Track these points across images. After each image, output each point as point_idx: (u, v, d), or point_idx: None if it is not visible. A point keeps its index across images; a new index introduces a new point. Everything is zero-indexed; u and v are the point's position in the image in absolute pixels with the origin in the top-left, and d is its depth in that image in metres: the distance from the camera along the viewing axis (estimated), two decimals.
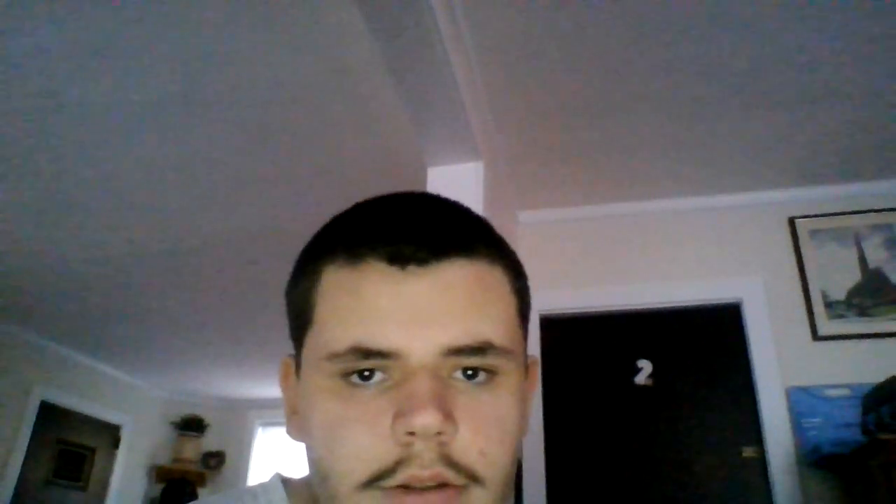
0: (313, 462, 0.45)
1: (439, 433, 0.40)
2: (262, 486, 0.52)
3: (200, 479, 5.97)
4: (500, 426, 0.43)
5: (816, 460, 2.28)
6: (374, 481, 0.41)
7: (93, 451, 5.45)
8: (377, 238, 0.44)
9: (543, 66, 2.09)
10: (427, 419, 0.39)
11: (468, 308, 0.43)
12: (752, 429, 2.45)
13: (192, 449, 6.09)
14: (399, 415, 0.40)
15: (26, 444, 4.70)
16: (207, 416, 6.22)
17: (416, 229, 0.45)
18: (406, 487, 0.40)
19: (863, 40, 1.97)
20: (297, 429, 0.49)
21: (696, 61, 2.06)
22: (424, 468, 0.40)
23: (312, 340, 0.46)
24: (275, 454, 6.21)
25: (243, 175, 2.68)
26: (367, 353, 0.42)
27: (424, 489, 0.40)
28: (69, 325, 4.51)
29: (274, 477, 0.53)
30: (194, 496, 5.66)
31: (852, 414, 2.28)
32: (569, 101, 2.25)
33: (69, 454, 5.23)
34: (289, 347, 0.52)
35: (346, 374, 0.43)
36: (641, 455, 2.52)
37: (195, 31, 1.94)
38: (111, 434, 5.62)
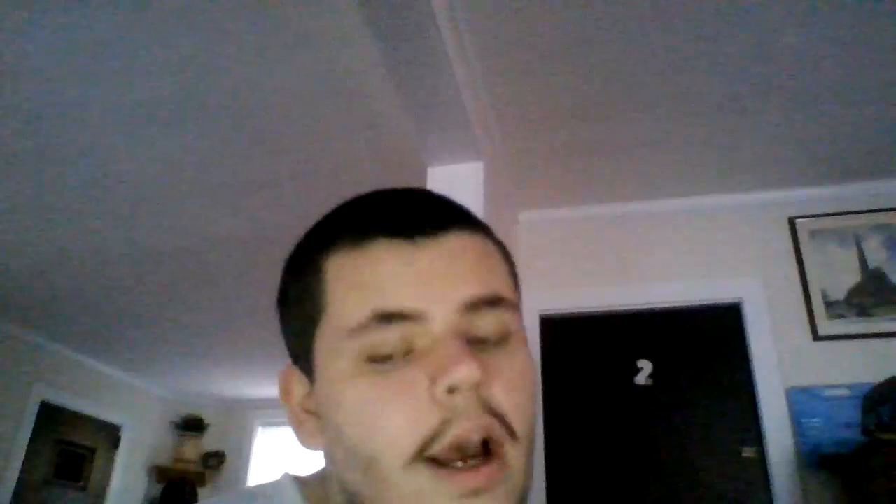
0: (350, 453, 0.43)
1: (480, 384, 0.40)
2: (274, 485, 0.51)
3: (200, 479, 5.96)
4: (525, 380, 0.45)
5: (816, 460, 2.28)
6: (424, 449, 0.40)
7: (93, 451, 5.45)
8: (381, 218, 0.46)
9: (543, 67, 2.09)
10: (468, 369, 0.39)
11: (477, 268, 0.46)
12: (752, 429, 2.45)
13: (192, 449, 6.09)
14: (437, 374, 0.40)
15: (26, 444, 4.70)
16: (207, 416, 6.22)
17: (417, 205, 0.48)
18: (456, 447, 0.40)
19: (863, 40, 1.97)
20: (312, 435, 0.49)
21: (696, 62, 2.06)
22: (471, 420, 0.40)
23: (327, 328, 0.45)
24: (275, 454, 6.21)
25: (243, 176, 2.68)
26: (389, 317, 0.42)
27: (474, 466, 0.40)
28: (69, 325, 4.51)
29: (284, 476, 0.53)
30: (194, 496, 5.66)
31: (852, 414, 2.28)
32: (569, 101, 2.25)
33: (69, 454, 5.23)
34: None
35: (369, 357, 0.42)
36: (641, 455, 2.52)
37: (195, 33, 1.94)
38: (111, 434, 5.62)
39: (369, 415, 0.42)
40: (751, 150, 2.51)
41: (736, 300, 2.62)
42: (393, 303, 0.42)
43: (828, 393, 2.38)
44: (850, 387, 2.35)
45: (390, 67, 1.71)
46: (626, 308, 2.72)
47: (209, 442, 6.19)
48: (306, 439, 0.49)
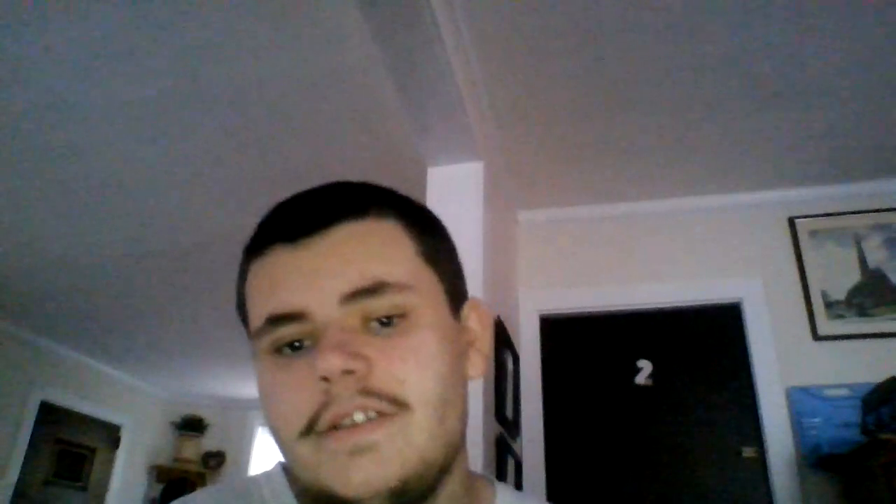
0: (267, 426, 0.49)
1: (351, 372, 0.44)
2: (266, 474, 0.56)
3: (200, 479, 5.96)
4: (417, 354, 0.46)
5: (816, 460, 2.28)
6: (308, 429, 0.45)
7: (93, 451, 5.45)
8: (273, 224, 0.51)
9: (543, 67, 2.09)
10: (326, 361, 0.43)
11: (357, 257, 0.47)
12: (752, 429, 2.45)
13: (192, 449, 6.09)
14: (311, 366, 0.44)
15: (26, 444, 4.70)
16: (207, 416, 6.23)
17: (304, 208, 0.51)
18: (338, 426, 0.44)
19: (862, 40, 1.97)
20: None
21: (696, 62, 2.06)
22: (342, 403, 0.44)
23: (249, 329, 0.51)
24: (275, 454, 6.20)
25: (243, 175, 2.68)
26: (279, 319, 0.47)
27: (352, 425, 0.44)
28: (69, 325, 4.51)
29: (276, 465, 0.57)
30: None
31: (852, 414, 2.28)
32: (569, 101, 2.25)
33: (69, 454, 5.23)
34: None
35: (277, 349, 0.47)
36: (641, 455, 2.52)
37: (195, 32, 1.94)
38: (111, 434, 5.62)
39: (272, 398, 0.48)
40: (751, 150, 2.51)
41: (736, 300, 2.62)
42: (279, 306, 0.47)
43: (828, 393, 2.38)
44: (850, 387, 2.35)
45: (390, 67, 1.71)
46: (626, 308, 2.72)
47: (209, 442, 6.20)
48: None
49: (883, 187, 2.65)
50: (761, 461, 2.39)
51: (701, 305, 2.66)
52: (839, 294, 2.55)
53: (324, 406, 0.44)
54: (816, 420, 2.36)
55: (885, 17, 1.89)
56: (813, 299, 2.55)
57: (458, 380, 0.50)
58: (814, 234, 2.65)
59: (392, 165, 2.50)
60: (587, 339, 2.75)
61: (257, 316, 0.49)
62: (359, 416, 0.44)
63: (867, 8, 1.85)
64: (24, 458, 4.68)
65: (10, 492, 4.53)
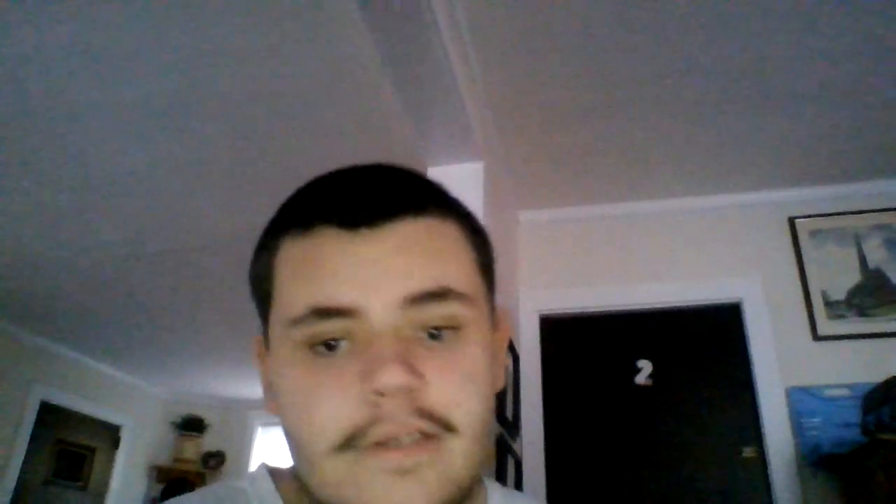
0: (287, 433, 0.45)
1: (408, 389, 0.40)
2: (250, 479, 0.52)
3: (200, 479, 5.96)
4: (471, 377, 0.43)
5: (816, 460, 2.28)
6: (348, 443, 0.41)
7: (93, 451, 5.46)
8: (327, 205, 0.45)
9: (544, 66, 2.09)
10: (391, 376, 0.39)
11: (422, 259, 0.44)
12: (752, 429, 2.45)
13: (192, 449, 6.09)
14: (364, 376, 0.40)
15: (26, 444, 4.70)
16: (207, 416, 6.23)
17: (364, 193, 0.46)
18: (382, 445, 0.40)
19: (862, 41, 1.97)
20: (273, 402, 0.49)
21: (696, 62, 2.06)
22: (396, 424, 0.40)
23: (275, 314, 0.46)
24: (275, 454, 6.21)
25: (244, 175, 2.68)
26: (326, 313, 0.42)
27: (401, 444, 0.40)
28: (69, 325, 4.51)
29: (260, 467, 0.53)
30: None
31: (852, 414, 2.28)
32: (569, 101, 2.25)
33: (69, 454, 5.23)
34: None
35: (311, 344, 0.43)
36: (641, 455, 2.52)
37: (194, 32, 1.94)
38: (111, 434, 5.63)
39: (301, 402, 0.43)
40: (751, 150, 2.51)
41: (736, 300, 2.62)
42: (330, 299, 0.42)
43: (828, 393, 2.38)
44: (850, 387, 2.35)
45: (390, 67, 1.71)
46: (626, 308, 2.71)
47: (209, 442, 6.20)
48: (268, 405, 0.50)
49: (883, 187, 2.65)
50: (761, 461, 2.39)
51: (701, 305, 2.66)
52: (839, 294, 2.55)
53: (372, 422, 0.40)
54: (816, 420, 2.36)
55: (885, 17, 1.89)
56: (813, 299, 2.55)
57: (494, 397, 0.48)
58: (814, 234, 2.65)
59: None
60: (587, 339, 2.75)
61: (297, 303, 0.43)
62: (406, 437, 0.41)
63: (867, 8, 1.85)
64: (24, 458, 4.68)
65: (10, 492, 4.53)
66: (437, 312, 0.43)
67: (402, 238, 0.44)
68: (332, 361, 0.42)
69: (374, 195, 0.45)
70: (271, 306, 0.47)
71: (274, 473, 0.52)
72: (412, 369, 0.40)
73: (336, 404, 0.41)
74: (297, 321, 0.43)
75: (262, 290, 0.49)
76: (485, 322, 0.47)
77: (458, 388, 0.42)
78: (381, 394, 0.40)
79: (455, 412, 0.42)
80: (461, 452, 0.42)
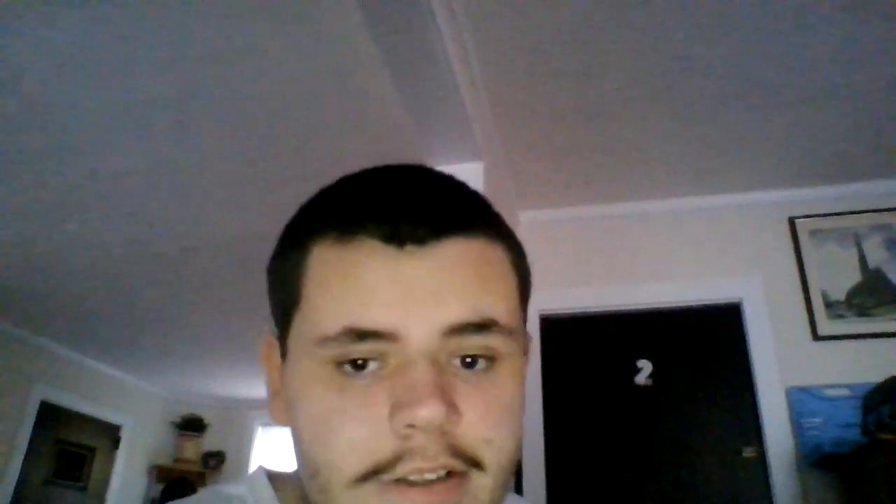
0: (303, 454, 0.42)
1: (443, 423, 0.38)
2: (249, 481, 0.50)
3: (200, 479, 5.96)
4: (503, 411, 0.41)
5: (816, 460, 2.28)
6: (371, 475, 0.38)
7: (93, 451, 5.46)
8: (371, 214, 0.41)
9: (544, 67, 2.09)
10: (431, 412, 0.37)
11: (469, 286, 0.41)
12: (752, 429, 2.45)
13: (192, 449, 6.09)
14: (399, 407, 0.38)
15: (26, 444, 4.70)
16: (207, 416, 6.23)
17: (412, 206, 0.42)
18: (406, 480, 0.38)
19: (862, 41, 1.97)
20: (281, 411, 0.47)
21: (696, 62, 2.06)
22: (427, 460, 0.38)
23: (300, 323, 0.43)
24: (275, 454, 6.21)
25: (243, 175, 2.68)
26: (362, 335, 0.39)
27: (427, 482, 0.38)
28: (69, 325, 4.51)
29: (258, 471, 0.51)
30: None
31: (852, 414, 2.28)
32: (569, 101, 2.25)
33: (69, 454, 5.23)
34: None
35: (338, 363, 0.40)
36: (641, 455, 2.52)
37: (194, 32, 1.94)
38: (111, 434, 5.62)
39: (324, 426, 0.40)
40: (751, 150, 2.51)
41: (736, 300, 2.62)
42: (367, 321, 0.39)
43: (828, 393, 2.38)
44: (850, 387, 2.35)
45: (390, 67, 1.71)
46: (626, 308, 2.72)
47: (209, 442, 6.20)
48: (275, 413, 0.47)
49: (883, 187, 2.65)
50: (761, 461, 2.39)
51: (701, 305, 2.66)
52: (839, 294, 2.55)
53: (400, 456, 0.38)
54: (816, 420, 2.36)
55: (885, 17, 1.89)
56: (813, 299, 2.55)
57: (522, 427, 0.45)
58: (814, 234, 2.65)
59: None
60: (587, 339, 2.75)
61: (330, 322, 0.40)
62: (431, 474, 0.38)
63: (867, 8, 1.85)
64: (24, 458, 4.68)
65: (10, 492, 4.53)
66: (476, 343, 0.41)
67: (449, 259, 0.41)
68: (360, 383, 0.40)
69: (425, 210, 0.42)
70: (296, 313, 0.43)
71: (273, 478, 0.50)
72: (450, 404, 0.38)
73: (362, 433, 0.38)
74: (328, 340, 0.40)
75: (286, 292, 0.45)
76: (520, 352, 0.45)
77: (491, 425, 0.40)
78: (413, 426, 0.37)
79: (486, 450, 0.40)
80: (488, 491, 0.40)
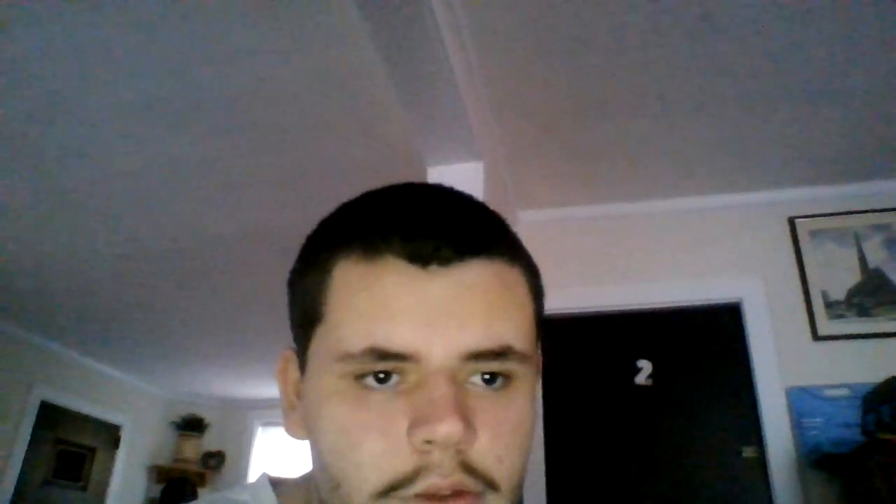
0: (323, 467, 0.43)
1: (461, 443, 0.39)
2: (252, 489, 0.50)
3: (200, 479, 5.96)
4: (516, 431, 0.42)
5: (816, 460, 2.28)
6: (391, 490, 0.39)
7: (93, 451, 5.45)
8: (396, 233, 0.42)
9: (544, 66, 2.09)
10: (449, 429, 0.38)
11: (489, 310, 0.42)
12: (752, 429, 2.45)
13: (192, 449, 6.09)
14: (418, 423, 0.39)
15: (26, 444, 4.70)
16: (207, 416, 6.23)
17: (437, 226, 0.43)
18: (425, 496, 0.39)
19: (862, 41, 1.97)
20: (297, 425, 0.47)
21: (696, 62, 2.06)
22: (444, 477, 0.39)
23: (322, 338, 0.43)
24: (275, 454, 6.21)
25: (243, 175, 2.68)
26: (384, 355, 0.40)
27: (442, 497, 0.39)
28: (69, 325, 4.51)
29: (262, 478, 0.51)
30: (194, 496, 5.66)
31: (852, 414, 2.28)
32: (569, 101, 2.25)
33: (69, 454, 5.23)
34: (289, 344, 0.50)
35: (359, 376, 0.41)
36: (641, 455, 2.52)
37: (194, 32, 1.94)
38: (111, 434, 5.62)
39: (344, 440, 0.41)
40: (751, 150, 2.50)
41: (736, 300, 2.62)
42: (390, 342, 0.40)
43: (828, 393, 2.38)
44: (850, 387, 2.35)
45: (390, 67, 1.71)
46: (626, 308, 2.71)
47: (209, 442, 6.20)
48: (292, 427, 0.48)
49: (883, 187, 2.65)
50: (761, 461, 2.39)
51: (701, 305, 2.66)
52: (839, 294, 2.55)
53: (418, 472, 0.39)
54: (816, 420, 2.36)
55: (885, 17, 1.89)
56: (813, 299, 2.55)
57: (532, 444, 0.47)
58: (814, 234, 2.65)
59: (392, 165, 2.50)
60: (587, 339, 2.75)
61: (354, 340, 0.41)
62: (446, 491, 0.39)
63: (868, 8, 1.85)
64: (24, 458, 4.68)
65: (10, 492, 4.53)
66: (493, 367, 0.42)
67: (471, 281, 0.42)
68: (380, 397, 0.41)
69: (448, 230, 0.43)
70: (318, 328, 0.44)
71: (276, 485, 0.50)
72: (467, 422, 0.39)
73: (383, 449, 0.39)
74: (350, 357, 0.41)
75: (308, 306, 0.45)
76: (534, 372, 0.46)
77: (504, 444, 0.41)
78: (431, 442, 0.39)
79: (499, 469, 0.41)
80: None
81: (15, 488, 4.58)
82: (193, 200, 2.88)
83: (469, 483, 0.40)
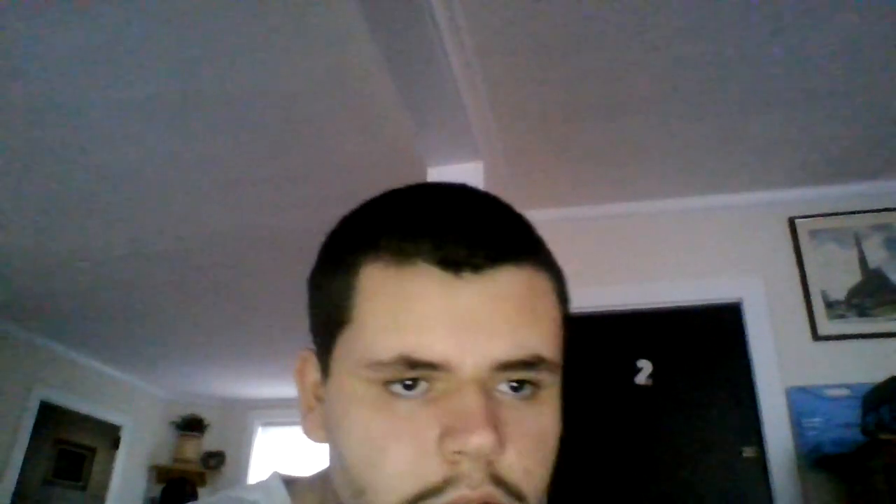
0: (347, 473, 0.42)
1: (492, 454, 0.38)
2: (264, 488, 0.49)
3: (200, 479, 5.96)
4: (543, 443, 0.43)
5: (816, 460, 2.28)
6: (418, 500, 0.39)
7: (93, 451, 5.46)
8: (427, 238, 0.41)
9: (544, 66, 2.09)
10: (482, 440, 0.37)
11: (521, 319, 0.41)
12: (752, 429, 2.45)
13: (192, 449, 6.09)
14: (450, 432, 0.38)
15: (26, 444, 4.70)
16: (207, 416, 6.23)
17: (468, 231, 0.42)
18: None
19: (862, 41, 1.97)
20: (317, 428, 0.47)
21: (696, 62, 2.06)
22: (473, 488, 0.38)
23: (349, 342, 0.42)
24: (275, 454, 6.21)
25: (243, 175, 2.68)
26: (415, 364, 0.39)
27: None
28: (69, 325, 4.51)
29: (273, 476, 0.51)
30: (194, 496, 5.66)
31: (852, 414, 2.28)
32: (569, 101, 2.25)
33: (69, 454, 5.23)
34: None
35: (387, 383, 0.40)
36: (641, 455, 2.52)
37: (195, 32, 1.94)
38: (111, 434, 5.62)
39: (371, 447, 0.40)
40: (751, 150, 2.50)
41: (736, 300, 2.62)
42: (422, 351, 0.39)
43: (828, 393, 2.38)
44: (850, 387, 2.35)
45: (390, 67, 1.71)
46: (626, 308, 2.71)
47: (209, 442, 6.20)
48: (311, 429, 0.47)
49: (883, 187, 2.65)
50: (761, 461, 2.39)
51: (701, 305, 2.66)
52: (839, 294, 2.55)
53: (447, 482, 0.38)
54: (816, 420, 2.36)
55: (885, 18, 1.89)
56: (813, 299, 2.55)
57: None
58: (814, 234, 2.65)
59: (392, 165, 2.50)
60: (587, 338, 2.74)
61: (384, 348, 0.40)
62: (475, 501, 0.39)
63: (867, 8, 1.85)
64: (24, 458, 4.68)
65: (10, 492, 4.53)
66: (522, 375, 0.42)
67: (502, 289, 0.41)
68: (409, 405, 0.40)
69: (480, 236, 0.42)
70: (343, 331, 0.43)
71: (288, 484, 0.49)
72: (499, 434, 0.39)
73: (412, 458, 0.39)
74: (379, 365, 0.40)
75: (332, 309, 0.44)
76: (560, 384, 0.46)
77: (531, 455, 0.41)
78: (462, 453, 0.38)
79: (527, 482, 0.40)
80: None
81: (15, 488, 4.58)
82: (194, 200, 2.88)
83: (498, 495, 0.39)
